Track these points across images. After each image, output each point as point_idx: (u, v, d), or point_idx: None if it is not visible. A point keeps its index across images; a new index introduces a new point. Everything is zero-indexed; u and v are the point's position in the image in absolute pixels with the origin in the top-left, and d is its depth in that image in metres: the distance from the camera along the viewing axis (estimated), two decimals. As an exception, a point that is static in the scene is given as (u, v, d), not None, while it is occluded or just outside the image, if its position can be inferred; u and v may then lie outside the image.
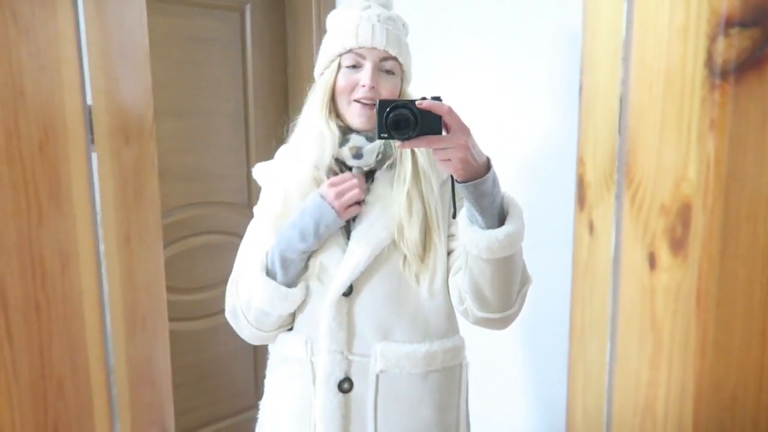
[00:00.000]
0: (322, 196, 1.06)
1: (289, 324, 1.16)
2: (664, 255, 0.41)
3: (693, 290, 0.38)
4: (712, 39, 0.35)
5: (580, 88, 0.61)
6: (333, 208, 1.05)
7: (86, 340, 0.50)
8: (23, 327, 0.44)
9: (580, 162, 0.60)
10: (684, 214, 0.38)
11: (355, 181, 1.07)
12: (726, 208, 0.36)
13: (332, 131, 1.10)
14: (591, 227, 0.57)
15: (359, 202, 1.09)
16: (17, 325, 0.43)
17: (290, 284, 1.10)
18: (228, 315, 1.17)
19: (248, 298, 1.10)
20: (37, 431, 0.45)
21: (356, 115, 1.09)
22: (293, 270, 1.09)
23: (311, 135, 1.11)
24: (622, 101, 0.49)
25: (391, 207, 1.09)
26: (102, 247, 0.52)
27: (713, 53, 0.36)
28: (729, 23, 0.35)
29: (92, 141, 0.51)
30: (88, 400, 0.51)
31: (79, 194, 0.49)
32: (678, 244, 0.39)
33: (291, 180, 1.13)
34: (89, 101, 0.52)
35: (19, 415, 0.43)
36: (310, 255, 1.11)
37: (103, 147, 0.55)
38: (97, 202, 0.51)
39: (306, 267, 1.11)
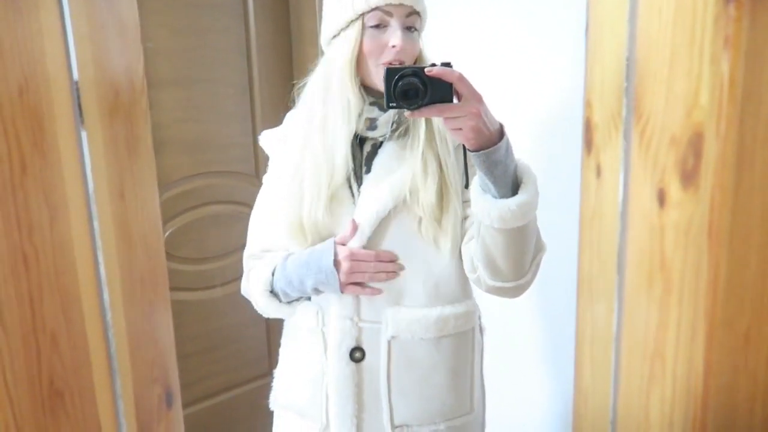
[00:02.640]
0: (335, 262, 1.04)
1: (295, 312, 1.19)
2: (674, 190, 0.39)
3: (705, 224, 0.36)
4: (727, -52, 0.33)
5: (587, 27, 0.58)
6: (338, 279, 1.05)
7: (80, 294, 0.49)
8: (11, 278, 0.42)
9: (587, 105, 0.58)
10: (696, 143, 0.36)
11: (373, 265, 1.05)
12: (741, 134, 0.34)
13: (358, 100, 1.04)
14: (598, 171, 0.54)
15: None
16: (4, 275, 0.42)
17: (292, 304, 1.16)
18: (243, 293, 1.22)
19: (256, 296, 1.15)
20: (31, 384, 0.44)
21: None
22: (294, 297, 1.14)
23: (340, 105, 1.04)
24: (630, 33, 0.46)
25: (397, 171, 1.06)
26: (93, 199, 0.51)
27: (728, -36, 0.33)
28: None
29: (77, 89, 0.50)
30: (85, 354, 0.50)
31: (66, 144, 0.48)
32: (689, 177, 0.37)
33: (313, 150, 1.07)
34: (73, 51, 0.50)
35: (11, 368, 0.43)
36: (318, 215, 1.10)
37: (91, 101, 0.53)
38: (85, 154, 0.50)
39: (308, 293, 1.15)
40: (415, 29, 1.04)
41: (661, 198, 0.41)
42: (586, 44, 0.57)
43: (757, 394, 0.37)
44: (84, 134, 0.51)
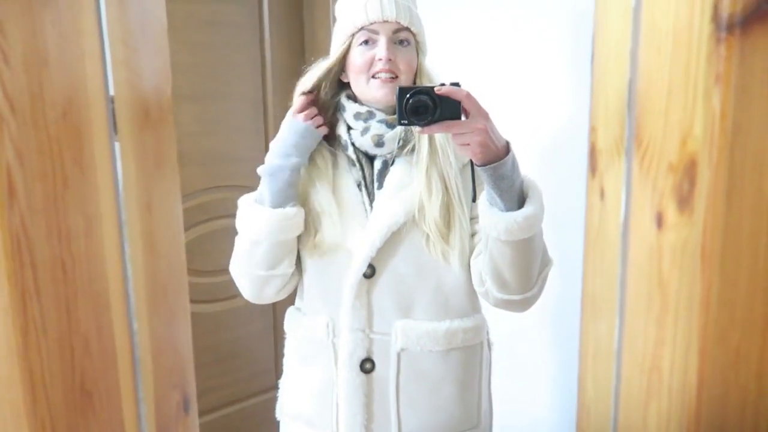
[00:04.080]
0: (293, 121, 1.11)
1: (286, 267, 1.14)
2: (671, 213, 0.42)
3: (698, 246, 0.39)
4: (718, -7, 0.36)
5: (593, 57, 0.61)
6: (307, 125, 1.10)
7: (110, 301, 0.52)
8: (50, 285, 0.46)
9: (593, 130, 0.61)
10: (690, 170, 0.39)
11: (314, 109, 1.12)
12: (731, 163, 0.37)
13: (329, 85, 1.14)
14: (602, 193, 0.57)
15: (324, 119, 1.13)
16: (44, 282, 0.45)
17: (280, 206, 1.09)
18: (231, 270, 1.19)
19: (242, 236, 1.13)
20: (65, 384, 0.47)
21: (377, 89, 1.08)
22: (282, 190, 1.09)
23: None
24: (632, 65, 0.49)
25: (409, 187, 1.09)
26: (124, 213, 0.54)
27: (719, 7, 0.36)
28: (736, -22, 0.35)
29: (113, 113, 0.53)
30: (113, 358, 0.53)
31: (102, 161, 0.51)
32: (684, 201, 0.40)
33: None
34: (110, 73, 0.54)
35: (48, 368, 0.46)
36: (331, 223, 1.11)
37: (124, 119, 0.57)
38: (118, 169, 0.53)
39: (296, 193, 1.12)
40: (408, 42, 1.08)
41: (659, 220, 0.43)
42: (592, 74, 0.60)
43: (747, 407, 0.40)
44: (117, 150, 0.55)
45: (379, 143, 1.09)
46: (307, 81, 1.13)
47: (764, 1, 0.34)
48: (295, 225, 1.10)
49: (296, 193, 1.11)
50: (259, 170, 1.11)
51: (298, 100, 1.12)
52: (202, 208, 2.09)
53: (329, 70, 1.11)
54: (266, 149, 2.14)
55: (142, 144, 0.60)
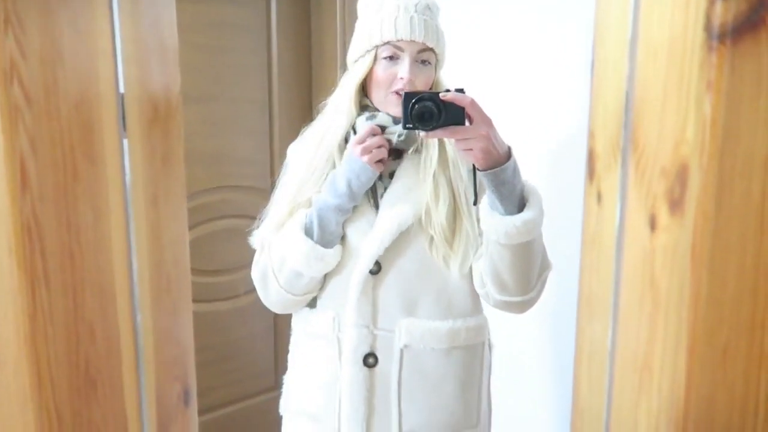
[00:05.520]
0: (352, 155, 1.09)
1: (316, 291, 1.17)
2: (663, 216, 0.43)
3: (688, 248, 0.40)
4: (711, 3, 0.37)
5: (593, 64, 0.62)
6: (362, 161, 1.08)
7: (115, 292, 0.54)
8: (59, 273, 0.47)
9: (591, 135, 0.62)
10: (682, 174, 0.40)
11: (377, 138, 1.09)
12: (721, 167, 0.38)
13: (350, 112, 1.12)
14: (599, 197, 0.58)
15: (387, 156, 1.11)
16: (53, 270, 0.46)
17: (326, 245, 1.11)
18: (256, 278, 1.18)
19: (282, 259, 1.12)
20: (70, 370, 0.48)
21: (394, 105, 1.10)
22: (329, 230, 1.10)
23: (330, 115, 1.15)
24: (630, 72, 0.50)
25: (418, 188, 1.11)
26: (131, 207, 0.55)
27: (711, 17, 0.37)
28: (728, -11, 0.36)
29: (123, 109, 0.55)
30: (117, 347, 0.54)
31: (111, 155, 0.52)
32: (676, 204, 0.41)
33: (305, 156, 1.16)
34: (121, 71, 0.56)
35: (54, 354, 0.47)
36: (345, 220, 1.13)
37: (134, 116, 0.58)
38: (126, 163, 0.55)
39: (342, 230, 1.13)
40: (429, 63, 1.11)
41: (652, 223, 0.44)
42: (591, 80, 0.62)
43: (735, 406, 0.41)
44: (126, 145, 0.56)
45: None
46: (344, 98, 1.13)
47: (754, 12, 0.36)
48: (335, 262, 1.13)
49: (341, 232, 1.13)
50: (313, 201, 1.12)
51: (364, 127, 1.10)
52: (205, 208, 2.11)
53: (359, 85, 1.12)
54: (271, 151, 2.16)
55: (150, 140, 0.61)
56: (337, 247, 1.11)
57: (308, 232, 1.11)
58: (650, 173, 0.45)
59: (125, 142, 0.57)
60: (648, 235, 0.46)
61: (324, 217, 1.10)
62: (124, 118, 0.56)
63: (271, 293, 1.17)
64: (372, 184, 1.11)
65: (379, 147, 1.08)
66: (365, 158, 1.07)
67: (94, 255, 0.51)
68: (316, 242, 1.10)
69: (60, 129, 0.46)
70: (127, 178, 0.57)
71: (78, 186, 0.48)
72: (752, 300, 0.39)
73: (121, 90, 0.56)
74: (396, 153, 1.15)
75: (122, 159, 0.55)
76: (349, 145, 1.10)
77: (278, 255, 1.13)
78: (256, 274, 1.18)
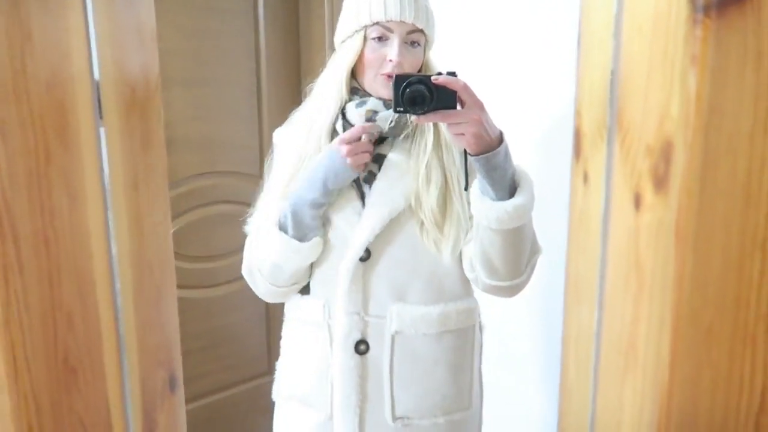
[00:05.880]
0: (335, 151, 1.07)
1: (304, 281, 1.18)
2: (648, 194, 0.42)
3: (672, 226, 0.39)
4: (696, -26, 0.36)
5: (579, 43, 0.61)
6: (345, 160, 1.06)
7: (94, 278, 0.53)
8: (33, 259, 0.46)
9: (578, 114, 0.61)
10: (666, 151, 0.39)
11: (365, 141, 1.08)
12: (706, 144, 0.37)
13: (340, 97, 1.11)
14: (585, 177, 0.58)
15: (369, 157, 1.10)
16: (27, 257, 0.45)
17: (302, 238, 1.11)
18: (244, 273, 1.20)
19: (263, 254, 1.13)
20: (47, 359, 0.47)
21: (382, 87, 1.09)
22: (304, 223, 1.10)
23: (318, 99, 1.13)
24: (615, 48, 0.49)
25: (408, 174, 1.10)
26: (109, 191, 0.54)
27: (696, -11, 0.36)
28: (714, -41, 0.35)
29: (98, 86, 0.53)
30: (97, 335, 0.54)
31: (86, 137, 0.51)
32: (660, 182, 0.40)
33: (295, 143, 1.15)
34: (95, 49, 0.54)
35: (31, 343, 0.46)
36: (324, 213, 1.12)
37: (110, 97, 0.57)
38: (103, 146, 0.53)
39: (321, 224, 1.12)
40: (418, 44, 1.09)
41: (637, 202, 0.44)
42: (577, 59, 0.60)
43: (719, 385, 0.40)
44: (102, 128, 0.55)
45: (371, 119, 1.09)
46: (331, 87, 1.11)
47: (740, -17, 0.35)
48: (314, 254, 1.12)
49: (319, 224, 1.12)
50: (289, 194, 1.11)
51: (355, 129, 1.07)
52: (196, 193, 2.09)
53: (349, 68, 1.10)
54: (260, 135, 2.14)
55: (129, 123, 0.60)
56: (315, 240, 1.11)
57: (282, 227, 1.11)
58: (635, 151, 0.45)
59: (101, 125, 0.55)
60: (633, 215, 0.45)
61: (298, 212, 1.09)
62: (100, 101, 0.55)
63: (259, 286, 1.19)
64: (348, 183, 1.09)
65: (366, 152, 1.07)
66: (349, 159, 1.05)
67: (71, 241, 0.49)
68: (291, 236, 1.10)
69: (30, 112, 0.45)
70: (105, 162, 0.55)
71: (51, 170, 0.47)
72: (737, 279, 0.38)
73: (96, 71, 0.54)
74: (379, 140, 1.14)
75: (98, 143, 0.54)
76: (335, 141, 1.08)
77: (260, 251, 1.14)
78: (244, 268, 1.20)
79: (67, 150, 0.48)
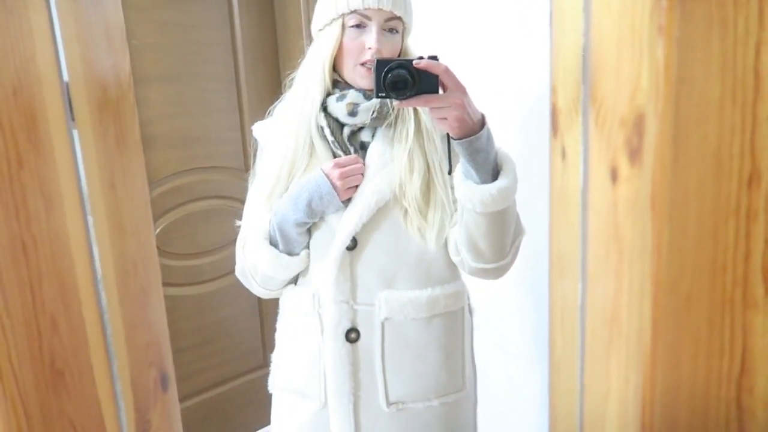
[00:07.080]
0: (326, 174, 1.07)
1: (296, 279, 1.21)
2: (623, 167, 0.42)
3: (648, 197, 0.39)
4: (659, -56, 0.36)
5: (550, 20, 0.61)
6: (335, 187, 1.06)
7: (77, 280, 0.52)
8: (12, 266, 0.45)
9: (553, 91, 0.61)
10: (638, 123, 0.39)
11: (360, 165, 1.08)
12: (677, 113, 0.37)
13: (322, 89, 1.10)
14: (563, 153, 0.58)
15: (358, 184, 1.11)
16: (5, 262, 0.45)
17: (291, 252, 1.14)
18: (238, 275, 1.22)
19: (254, 263, 1.15)
20: (33, 363, 0.47)
21: (361, 77, 1.08)
22: (291, 238, 1.12)
23: (301, 92, 1.12)
24: (586, 23, 0.49)
25: (392, 163, 1.10)
26: (86, 192, 0.54)
27: (660, -41, 0.36)
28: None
29: (68, 87, 0.52)
30: (83, 337, 0.53)
31: (58, 139, 0.50)
32: (634, 154, 0.40)
33: (283, 143, 1.14)
34: (62, 49, 0.53)
35: (15, 348, 0.46)
36: (309, 227, 1.13)
37: (80, 98, 0.56)
38: (77, 148, 0.53)
39: (307, 237, 1.15)
40: (396, 31, 1.08)
41: (614, 175, 0.44)
42: (550, 35, 0.60)
43: (701, 350, 0.41)
44: (75, 129, 0.54)
45: (353, 113, 1.09)
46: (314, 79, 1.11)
47: (703, -49, 0.35)
48: (303, 266, 1.16)
49: (306, 238, 1.15)
50: (274, 210, 1.13)
51: (352, 158, 1.08)
52: (178, 190, 2.08)
53: (330, 59, 1.10)
54: (241, 128, 2.12)
55: (102, 123, 0.59)
56: (304, 252, 1.15)
57: (272, 242, 1.15)
58: (609, 125, 0.45)
59: (74, 127, 0.55)
60: (610, 188, 0.45)
61: (284, 230, 1.12)
62: (70, 102, 0.54)
63: (254, 288, 1.22)
64: (333, 210, 1.11)
65: (357, 175, 1.08)
66: (339, 183, 1.06)
67: (50, 245, 0.49)
68: (281, 251, 1.13)
69: (-2, 116, 0.44)
70: (80, 164, 0.55)
71: (24, 175, 0.47)
72: (713, 245, 0.39)
73: (65, 72, 0.53)
74: (362, 126, 1.13)
75: (72, 145, 0.53)
76: (327, 164, 1.08)
77: (251, 258, 1.17)
78: (238, 271, 1.22)
79: (39, 154, 0.48)
